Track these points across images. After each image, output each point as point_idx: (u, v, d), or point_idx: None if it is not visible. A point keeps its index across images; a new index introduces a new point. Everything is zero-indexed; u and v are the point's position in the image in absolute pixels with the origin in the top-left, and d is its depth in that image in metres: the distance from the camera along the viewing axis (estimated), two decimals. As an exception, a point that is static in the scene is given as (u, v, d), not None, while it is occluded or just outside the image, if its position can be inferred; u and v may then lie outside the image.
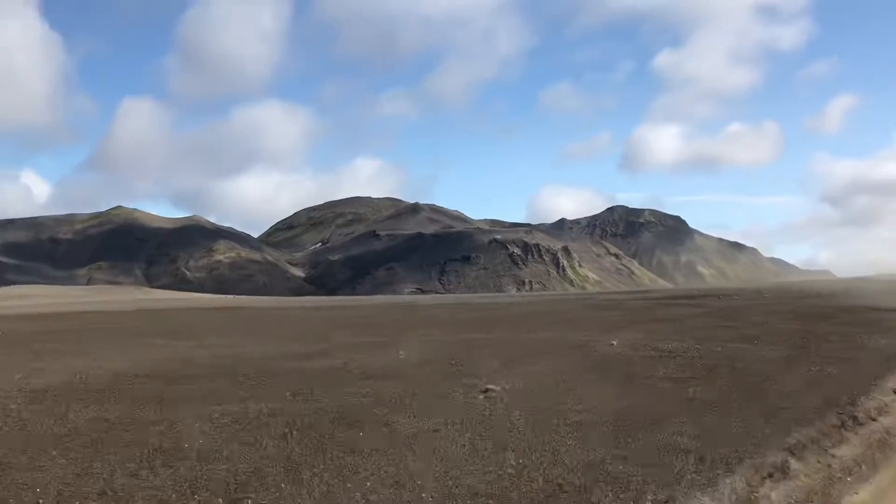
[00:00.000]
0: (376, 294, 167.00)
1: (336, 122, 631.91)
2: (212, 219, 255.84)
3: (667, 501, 6.84)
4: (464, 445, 9.10)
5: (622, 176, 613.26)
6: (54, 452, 8.88)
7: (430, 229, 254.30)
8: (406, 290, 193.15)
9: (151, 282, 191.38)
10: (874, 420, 9.77)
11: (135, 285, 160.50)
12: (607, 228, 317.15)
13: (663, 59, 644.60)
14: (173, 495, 7.37)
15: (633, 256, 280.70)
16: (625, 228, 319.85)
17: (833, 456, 8.13)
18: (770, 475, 7.41)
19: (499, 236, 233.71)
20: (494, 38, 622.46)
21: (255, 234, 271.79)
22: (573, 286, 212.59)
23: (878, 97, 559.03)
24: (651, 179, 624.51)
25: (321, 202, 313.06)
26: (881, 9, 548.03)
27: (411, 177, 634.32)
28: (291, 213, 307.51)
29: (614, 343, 19.34)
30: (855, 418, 10.01)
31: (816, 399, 10.99)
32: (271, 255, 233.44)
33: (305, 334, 25.74)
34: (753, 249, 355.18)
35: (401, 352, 18.42)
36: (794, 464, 7.95)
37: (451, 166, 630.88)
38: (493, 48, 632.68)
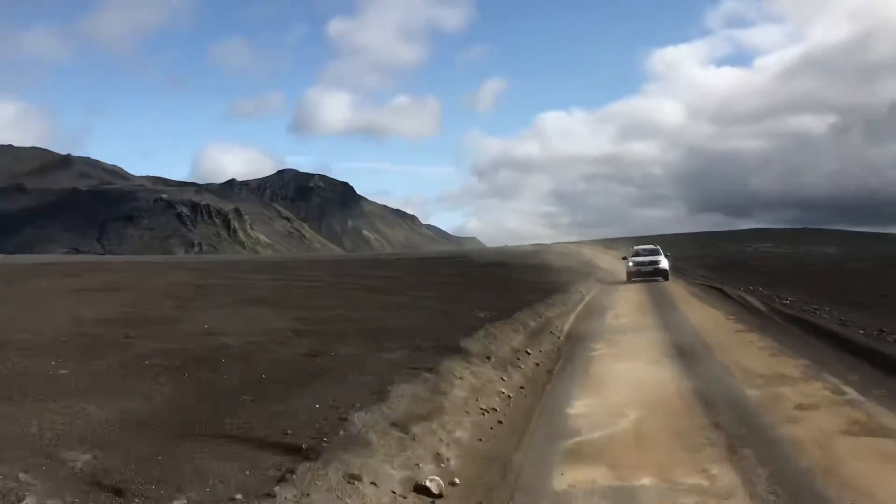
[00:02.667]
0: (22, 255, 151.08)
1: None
2: None
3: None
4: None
5: (292, 138, 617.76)
6: None
7: (84, 185, 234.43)
8: (60, 251, 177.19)
9: None
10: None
11: None
12: (278, 192, 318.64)
13: (336, 26, 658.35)
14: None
15: (304, 221, 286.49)
16: (295, 192, 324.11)
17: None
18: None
19: (165, 195, 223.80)
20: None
21: None
22: (245, 249, 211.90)
23: (523, 82, 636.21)
24: (320, 144, 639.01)
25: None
26: (529, 4, 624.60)
27: (61, 125, 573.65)
28: None
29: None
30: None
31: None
32: None
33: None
34: (413, 217, 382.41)
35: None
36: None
37: (109, 116, 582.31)
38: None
